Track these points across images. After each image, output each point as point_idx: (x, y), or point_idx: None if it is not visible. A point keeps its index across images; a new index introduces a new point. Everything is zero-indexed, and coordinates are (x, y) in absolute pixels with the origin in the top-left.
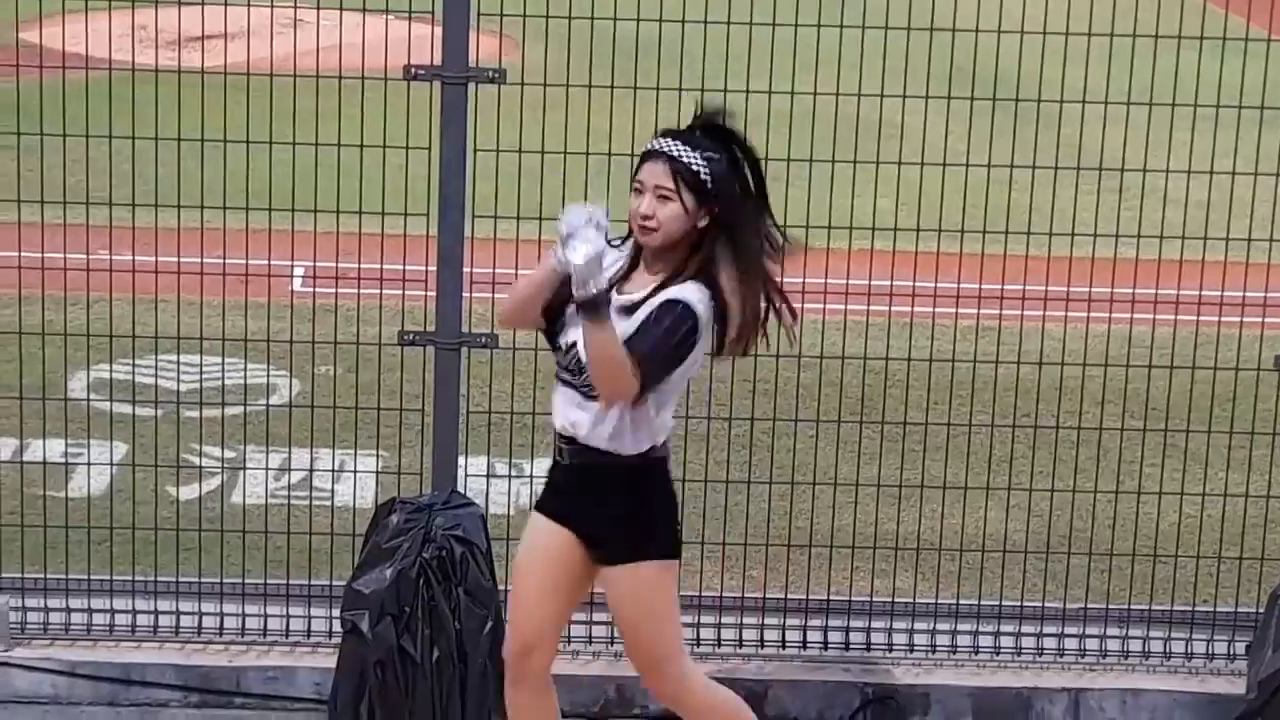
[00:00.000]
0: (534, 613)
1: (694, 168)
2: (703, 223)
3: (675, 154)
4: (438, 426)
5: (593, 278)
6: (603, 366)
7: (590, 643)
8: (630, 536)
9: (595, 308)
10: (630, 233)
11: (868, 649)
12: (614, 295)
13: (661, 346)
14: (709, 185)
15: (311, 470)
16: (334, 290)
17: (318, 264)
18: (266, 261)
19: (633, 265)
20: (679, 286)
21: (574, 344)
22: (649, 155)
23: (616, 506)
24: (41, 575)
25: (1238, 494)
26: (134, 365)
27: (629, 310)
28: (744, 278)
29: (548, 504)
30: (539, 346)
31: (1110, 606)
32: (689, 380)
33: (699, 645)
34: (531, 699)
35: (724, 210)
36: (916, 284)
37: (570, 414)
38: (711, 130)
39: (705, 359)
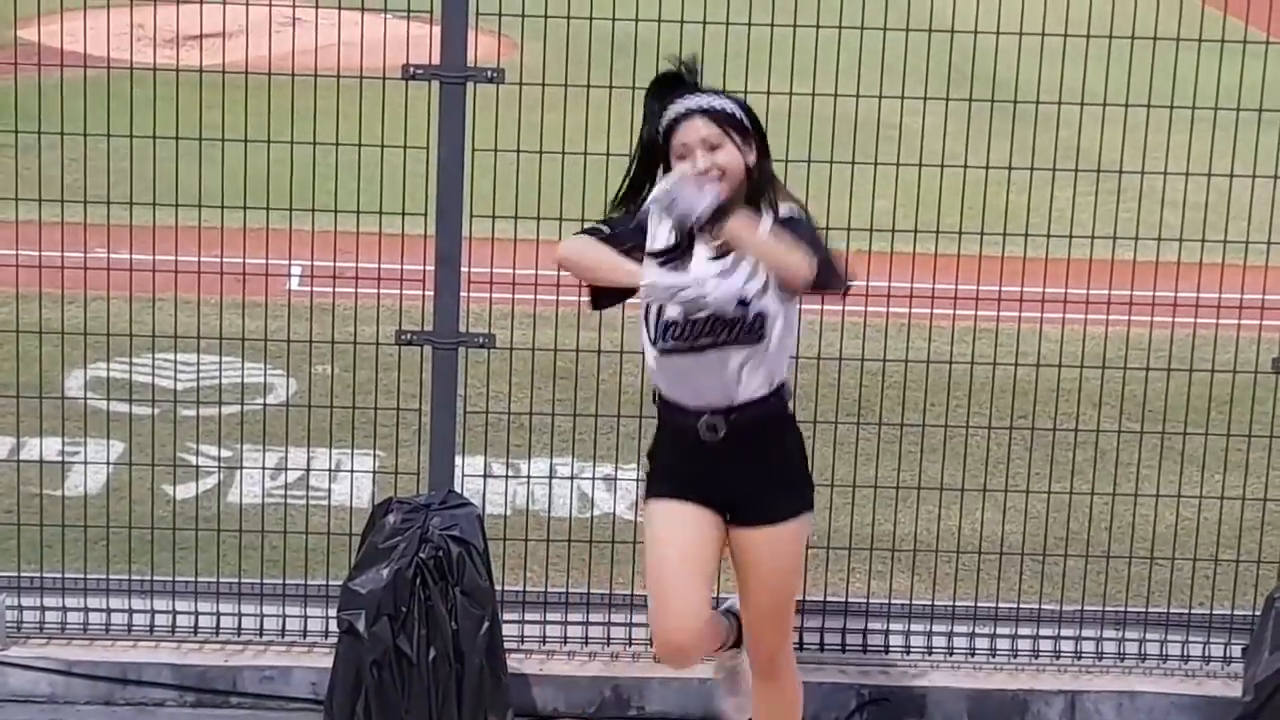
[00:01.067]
0: (685, 600)
1: (728, 110)
2: (752, 159)
3: (707, 105)
4: (435, 426)
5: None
6: (776, 256)
7: (586, 643)
8: (779, 490)
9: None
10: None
11: (864, 650)
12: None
13: (819, 241)
14: (745, 121)
15: (308, 470)
16: (331, 289)
17: (315, 263)
18: (264, 260)
19: (689, 242)
20: (776, 210)
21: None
22: (679, 120)
23: (769, 457)
24: (38, 574)
25: (1234, 497)
26: (131, 364)
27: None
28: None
29: (685, 489)
30: (536, 346)
31: (1107, 609)
32: None
33: None
34: None
35: (761, 140)
36: (914, 285)
37: (724, 377)
38: (686, 85)
39: None
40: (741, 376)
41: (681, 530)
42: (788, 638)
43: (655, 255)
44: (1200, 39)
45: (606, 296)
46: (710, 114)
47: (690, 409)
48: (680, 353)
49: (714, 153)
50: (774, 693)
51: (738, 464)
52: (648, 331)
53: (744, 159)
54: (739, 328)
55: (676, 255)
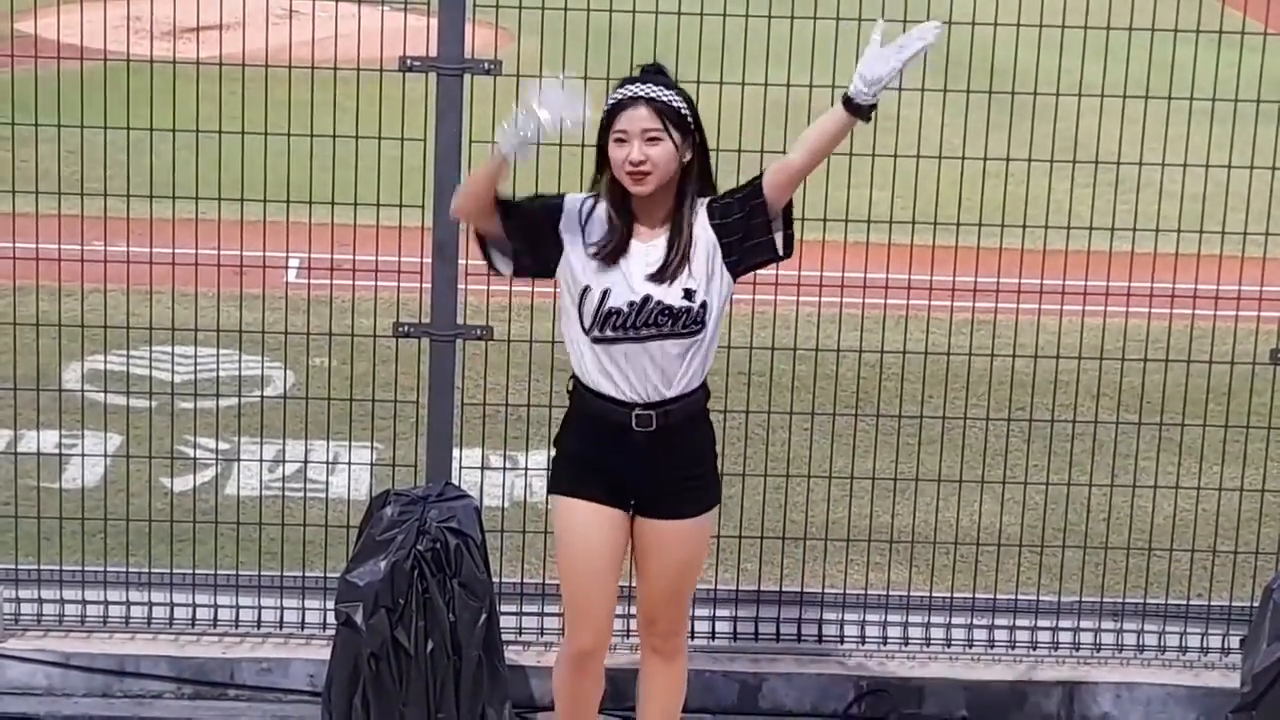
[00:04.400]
0: (605, 606)
1: (675, 104)
2: (686, 158)
3: (654, 95)
4: (432, 418)
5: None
6: None
7: None
8: (698, 486)
9: None
10: (595, 193)
11: (862, 642)
12: (631, 266)
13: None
14: (689, 119)
15: (306, 462)
16: (329, 282)
17: (313, 255)
18: (262, 253)
19: (626, 234)
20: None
21: (648, 296)
22: (625, 103)
23: (691, 453)
24: (35, 566)
25: (1232, 488)
26: (128, 356)
27: (660, 274)
28: None
29: (595, 486)
30: (534, 339)
31: (1105, 600)
32: None
33: (694, 638)
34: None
35: (700, 141)
36: (912, 277)
37: (665, 366)
38: (656, 74)
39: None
40: (679, 368)
41: (589, 535)
42: (686, 618)
43: (590, 246)
44: (1198, 30)
45: (526, 260)
46: (655, 104)
47: (621, 401)
48: (619, 342)
49: (651, 145)
50: (672, 674)
51: (657, 458)
52: (580, 320)
53: (678, 158)
54: (684, 318)
55: (609, 248)
